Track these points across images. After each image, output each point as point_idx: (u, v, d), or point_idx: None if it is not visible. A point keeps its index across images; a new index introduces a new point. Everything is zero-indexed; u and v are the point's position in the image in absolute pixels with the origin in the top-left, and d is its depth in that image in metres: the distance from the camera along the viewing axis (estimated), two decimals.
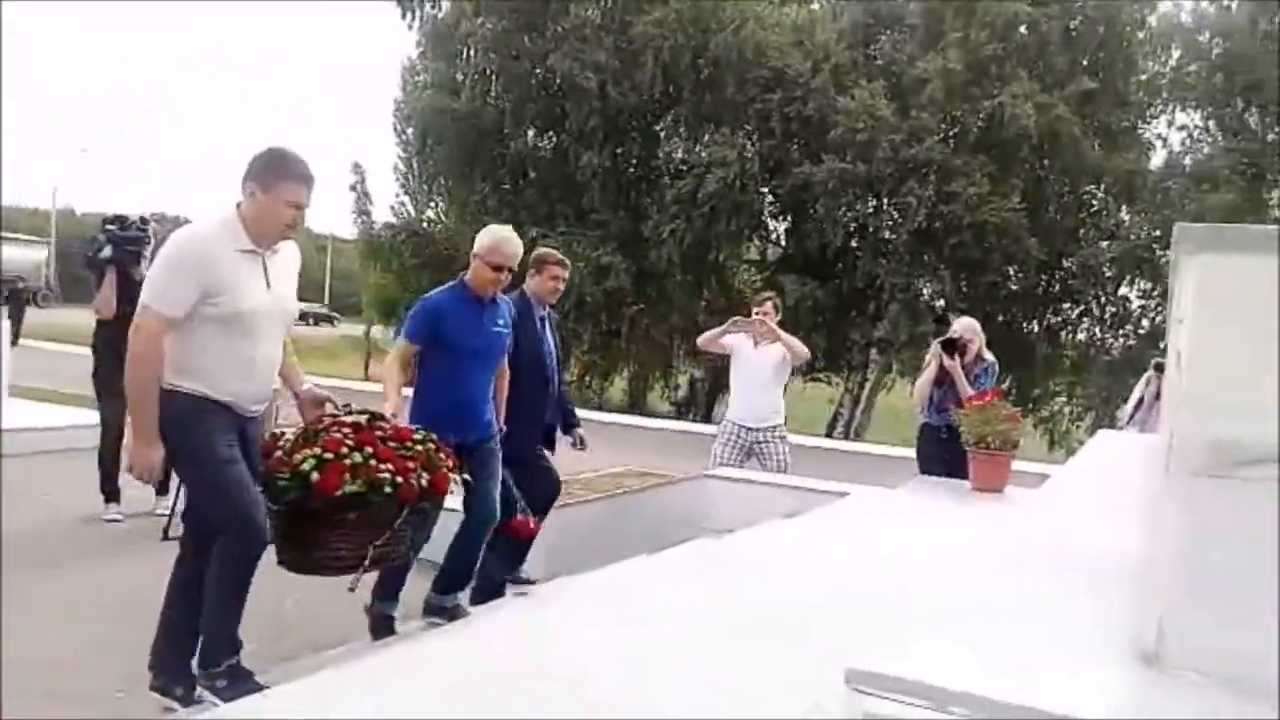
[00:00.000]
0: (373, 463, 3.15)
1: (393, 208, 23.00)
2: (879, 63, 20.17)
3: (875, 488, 6.46)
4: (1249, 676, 1.28)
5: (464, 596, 4.14)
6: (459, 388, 4.05)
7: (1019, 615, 1.65)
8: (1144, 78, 20.81)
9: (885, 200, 19.33)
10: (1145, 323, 20.24)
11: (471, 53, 21.46)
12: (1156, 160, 20.81)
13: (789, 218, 21.53)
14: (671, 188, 19.73)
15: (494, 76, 21.50)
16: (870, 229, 19.56)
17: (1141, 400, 6.68)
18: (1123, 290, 20.68)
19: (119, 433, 6.27)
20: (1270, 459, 1.25)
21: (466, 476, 3.71)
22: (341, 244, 47.84)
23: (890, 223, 19.11)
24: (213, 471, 3.14)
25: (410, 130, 22.35)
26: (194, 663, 3.23)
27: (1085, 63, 19.86)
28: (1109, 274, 20.08)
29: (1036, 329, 21.19)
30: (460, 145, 20.96)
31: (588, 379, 22.51)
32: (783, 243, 22.10)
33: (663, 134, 21.85)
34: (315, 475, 3.11)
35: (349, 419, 3.33)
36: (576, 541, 5.39)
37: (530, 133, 21.81)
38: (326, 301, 51.56)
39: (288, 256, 3.39)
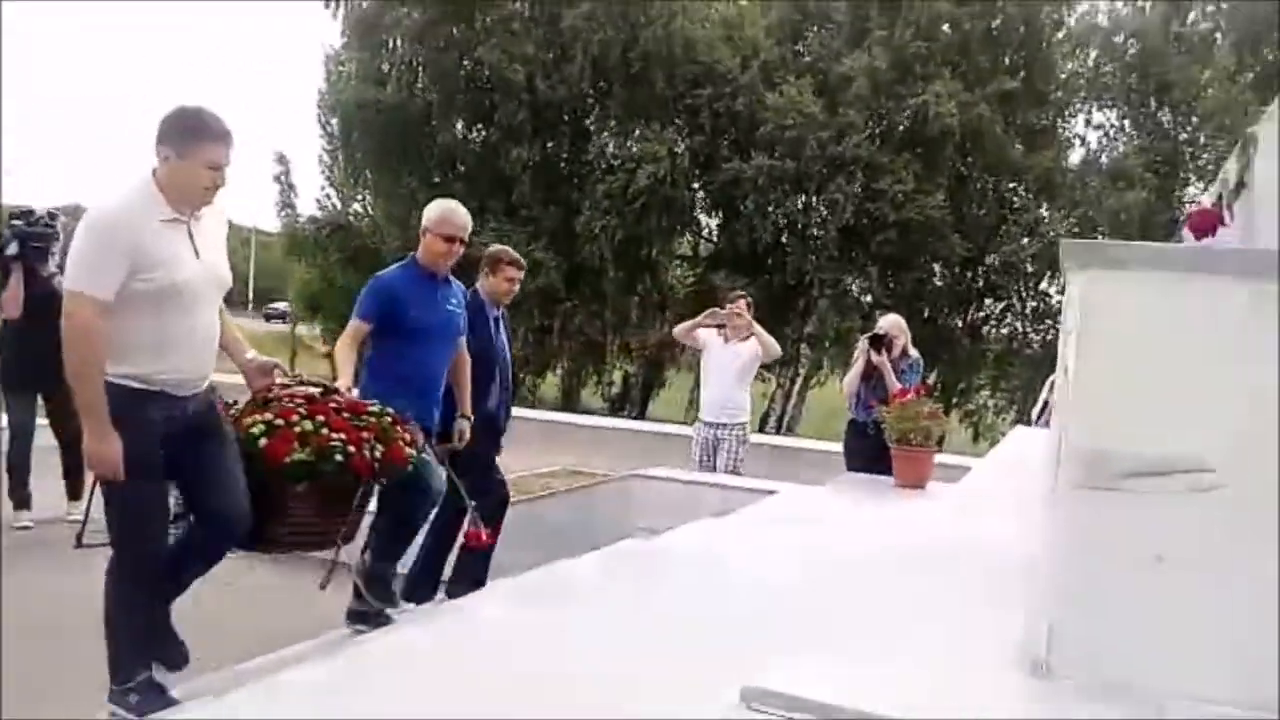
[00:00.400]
0: (324, 431, 3.03)
1: (318, 200, 22.57)
2: (806, 59, 20.37)
3: (802, 486, 6.53)
4: (1134, 684, 1.31)
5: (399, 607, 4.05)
6: (414, 367, 3.95)
7: (919, 621, 1.67)
8: (1063, 77, 21.36)
9: (814, 197, 19.55)
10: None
11: (397, 43, 21.12)
12: (1074, 158, 21.43)
13: (720, 214, 21.66)
14: (602, 183, 19.68)
15: (420, 68, 21.18)
16: (799, 225, 19.76)
17: (1046, 404, 6.89)
18: (1044, 286, 21.24)
19: (29, 436, 6.05)
20: (1150, 471, 1.29)
21: (425, 454, 3.60)
22: (265, 237, 46.78)
23: (819, 219, 19.34)
24: (125, 487, 2.98)
25: (335, 122, 21.91)
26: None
27: (1006, 62, 20.32)
28: (1030, 270, 20.61)
29: (960, 324, 21.67)
30: (386, 138, 20.61)
31: (520, 376, 22.35)
32: (714, 238, 22.23)
33: (593, 129, 21.77)
34: (263, 441, 2.99)
35: (302, 390, 3.21)
36: (502, 544, 5.35)
37: (458, 125, 21.56)
38: (250, 297, 50.37)
39: (213, 221, 3.21)
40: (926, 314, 20.10)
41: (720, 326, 7.00)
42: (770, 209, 19.39)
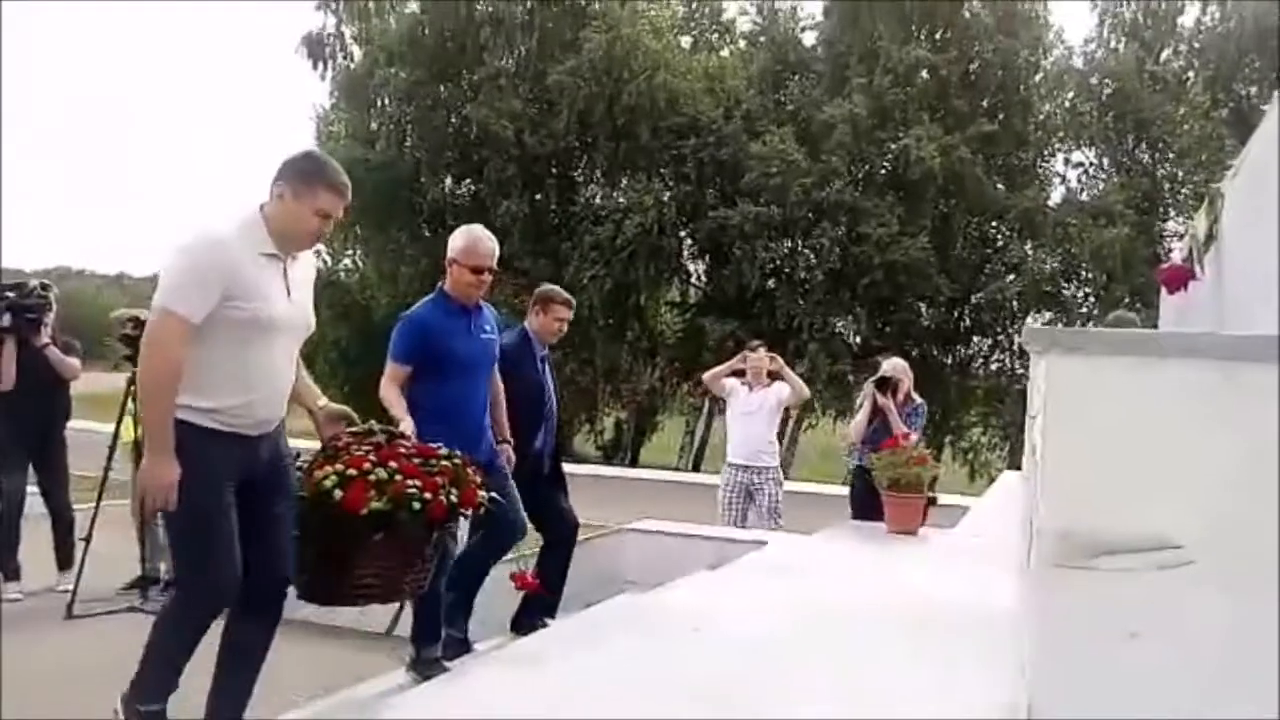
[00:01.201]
0: (398, 479, 2.96)
1: None
2: (788, 108, 20.70)
3: (793, 534, 6.53)
4: None
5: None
6: (455, 403, 3.85)
7: (904, 679, 1.70)
8: (1041, 118, 21.73)
9: (800, 242, 19.77)
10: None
11: (385, 102, 21.43)
12: (1055, 197, 21.71)
13: (707, 260, 21.86)
14: (590, 233, 19.88)
15: (409, 126, 21.47)
16: (787, 270, 19.96)
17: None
18: (1030, 321, 21.43)
19: (19, 507, 6.02)
20: (1120, 549, 1.33)
21: (494, 494, 3.47)
22: None
23: (806, 264, 19.55)
24: (195, 523, 2.86)
25: None
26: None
27: (985, 105, 20.68)
28: (1016, 307, 20.80)
29: (949, 362, 21.80)
30: (375, 195, 20.78)
31: None
32: (703, 284, 22.40)
33: (580, 180, 22.04)
34: (338, 493, 2.89)
35: (369, 438, 3.14)
36: (495, 603, 5.33)
37: (447, 181, 21.80)
38: None
39: (306, 265, 3.16)
40: (915, 353, 20.23)
41: (743, 374, 7.12)
42: (757, 254, 19.59)
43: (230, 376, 2.87)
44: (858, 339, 20.71)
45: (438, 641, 3.93)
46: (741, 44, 22.79)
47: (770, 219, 19.13)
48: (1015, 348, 21.62)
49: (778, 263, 20.02)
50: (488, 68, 20.41)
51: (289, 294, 3.00)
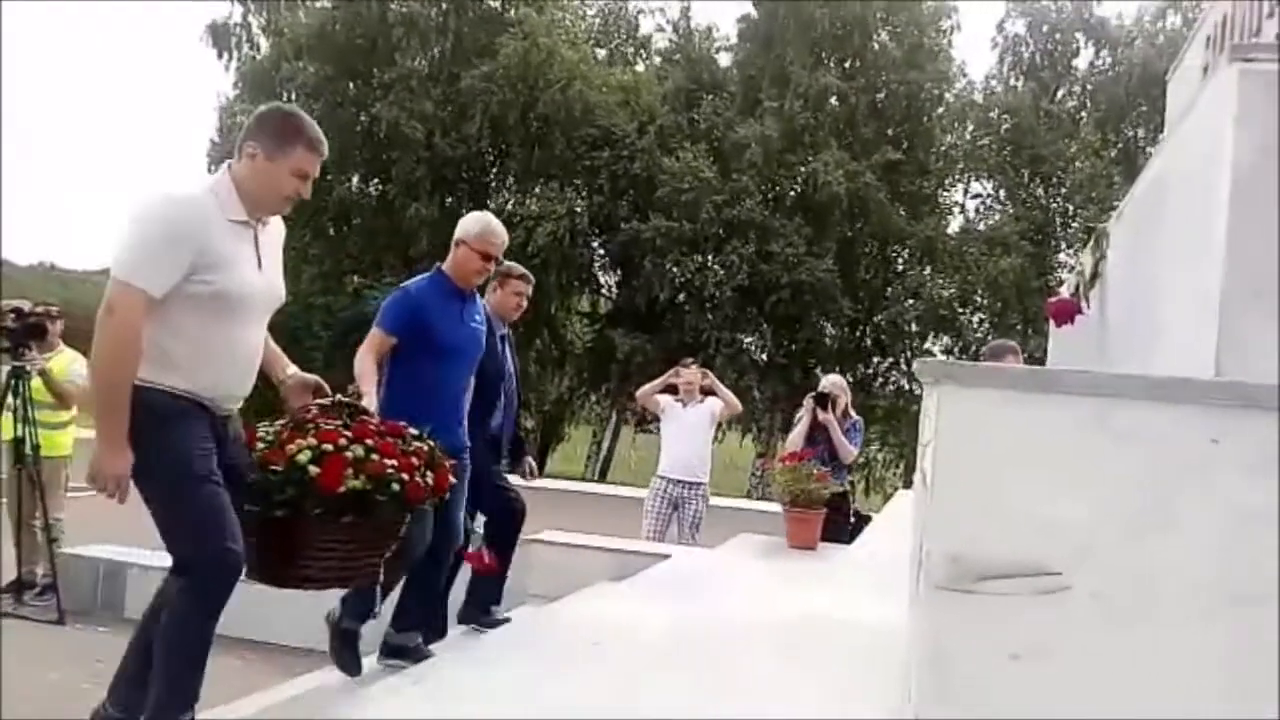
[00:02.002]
0: (374, 457, 2.74)
1: None
2: (701, 126, 20.98)
3: (695, 548, 6.60)
4: None
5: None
6: (434, 386, 3.70)
7: (780, 701, 1.74)
8: (942, 149, 22.53)
9: (710, 258, 20.03)
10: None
11: (292, 97, 20.88)
12: (955, 225, 22.51)
13: (618, 272, 21.95)
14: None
15: (316, 122, 20.97)
16: (696, 285, 20.19)
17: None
18: (928, 344, 22.15)
19: None
20: (1001, 575, 1.39)
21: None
22: None
23: (715, 279, 19.80)
24: (186, 490, 2.59)
25: None
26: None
27: (890, 134, 21.34)
28: (915, 330, 21.46)
29: (850, 380, 22.31)
30: None
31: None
32: (613, 296, 22.47)
33: (492, 186, 21.89)
34: (314, 469, 2.65)
35: (332, 412, 2.89)
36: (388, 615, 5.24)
37: (354, 180, 21.38)
38: None
39: (275, 231, 2.89)
40: (819, 371, 20.67)
41: (675, 390, 7.19)
42: (668, 268, 19.77)
43: (194, 356, 2.63)
44: (764, 355, 21.08)
45: (419, 628, 3.76)
46: (657, 60, 23.02)
47: (681, 234, 19.34)
48: (912, 369, 22.29)
49: (688, 277, 20.24)
50: (399, 68, 20.12)
51: (259, 264, 2.75)
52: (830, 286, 19.46)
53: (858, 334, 21.88)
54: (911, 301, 20.82)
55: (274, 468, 2.70)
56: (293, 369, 3.03)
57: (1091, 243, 3.58)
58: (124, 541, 5.99)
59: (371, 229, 20.87)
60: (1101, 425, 1.44)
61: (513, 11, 20.85)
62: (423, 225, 19.97)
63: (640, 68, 22.81)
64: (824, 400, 6.68)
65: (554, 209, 19.27)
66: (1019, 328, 18.82)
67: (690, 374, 7.21)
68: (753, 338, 21.10)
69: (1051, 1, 22.65)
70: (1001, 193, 22.98)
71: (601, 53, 22.60)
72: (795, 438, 6.78)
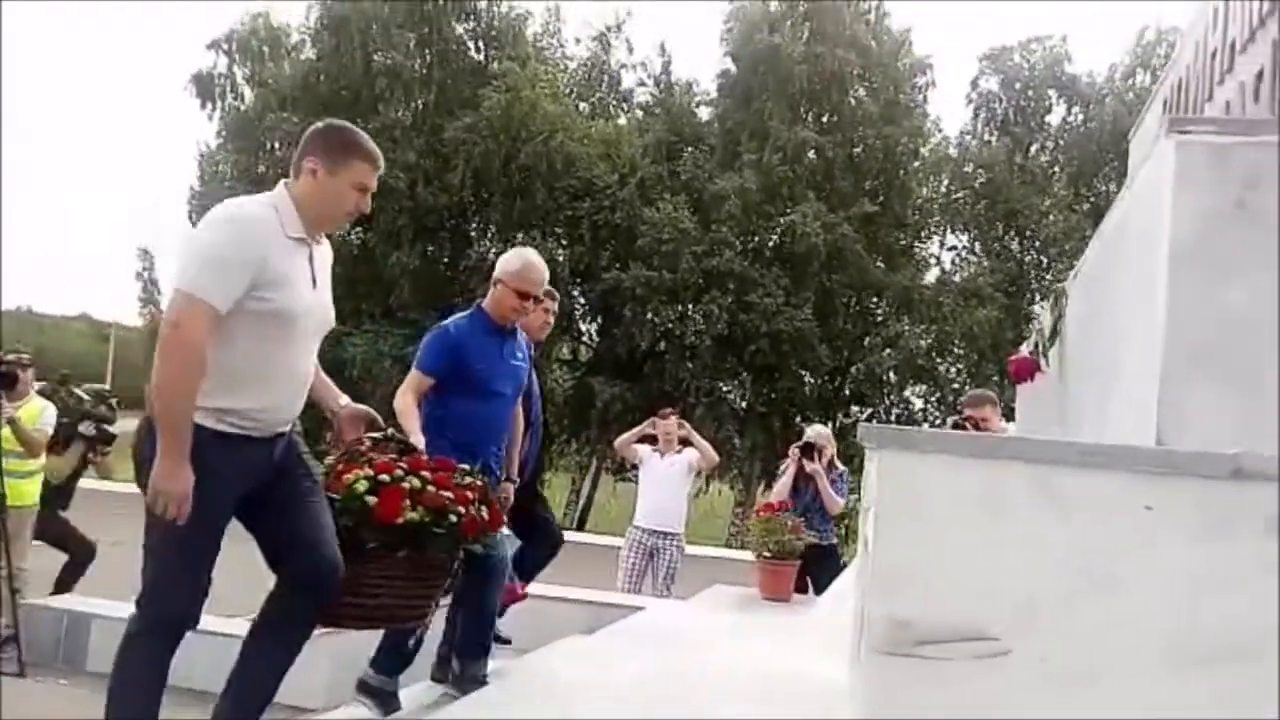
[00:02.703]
0: (430, 489, 2.69)
1: None
2: (682, 178, 21.22)
3: (669, 600, 6.56)
4: None
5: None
6: (471, 423, 3.64)
7: None
8: (918, 202, 22.87)
9: (689, 307, 20.15)
10: (925, 424, 21.81)
11: (275, 145, 21.04)
12: (930, 277, 22.76)
13: (599, 320, 22.03)
14: (483, 288, 19.78)
15: None
16: (676, 334, 20.28)
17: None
18: (906, 393, 22.28)
19: None
20: (941, 639, 1.41)
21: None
22: (125, 333, 44.77)
23: (695, 328, 19.91)
24: (183, 535, 2.51)
25: None
26: None
27: (866, 186, 21.64)
28: (892, 379, 21.59)
29: (831, 430, 22.38)
30: None
31: None
32: (594, 343, 22.53)
33: (474, 235, 22.00)
34: (372, 499, 2.61)
35: (388, 446, 2.89)
36: (358, 670, 5.17)
37: (336, 229, 21.46)
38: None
39: (327, 253, 2.84)
40: (798, 420, 20.72)
41: (654, 439, 7.21)
42: (648, 317, 19.86)
43: (248, 375, 2.58)
44: (743, 404, 21.12)
45: (485, 656, 3.75)
46: (639, 114, 23.32)
47: (662, 283, 19.47)
48: (891, 417, 22.41)
49: (668, 326, 20.33)
50: (383, 118, 20.30)
51: (314, 282, 2.70)
52: (809, 336, 19.60)
53: (836, 383, 22.00)
54: (889, 351, 20.97)
55: (331, 496, 2.66)
56: (345, 399, 3.00)
57: (1051, 301, 3.66)
58: (89, 593, 5.93)
59: (352, 277, 20.86)
60: (1040, 491, 1.47)
61: (496, 64, 21.13)
62: (404, 274, 20.03)
63: (622, 120, 23.11)
64: (810, 450, 6.67)
65: None
66: (995, 379, 18.98)
67: (668, 424, 7.24)
68: (732, 386, 21.16)
69: (1024, 59, 23.16)
70: (977, 245, 23.30)
71: (584, 105, 22.90)
72: (780, 489, 6.78)
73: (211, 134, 22.25)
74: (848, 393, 22.31)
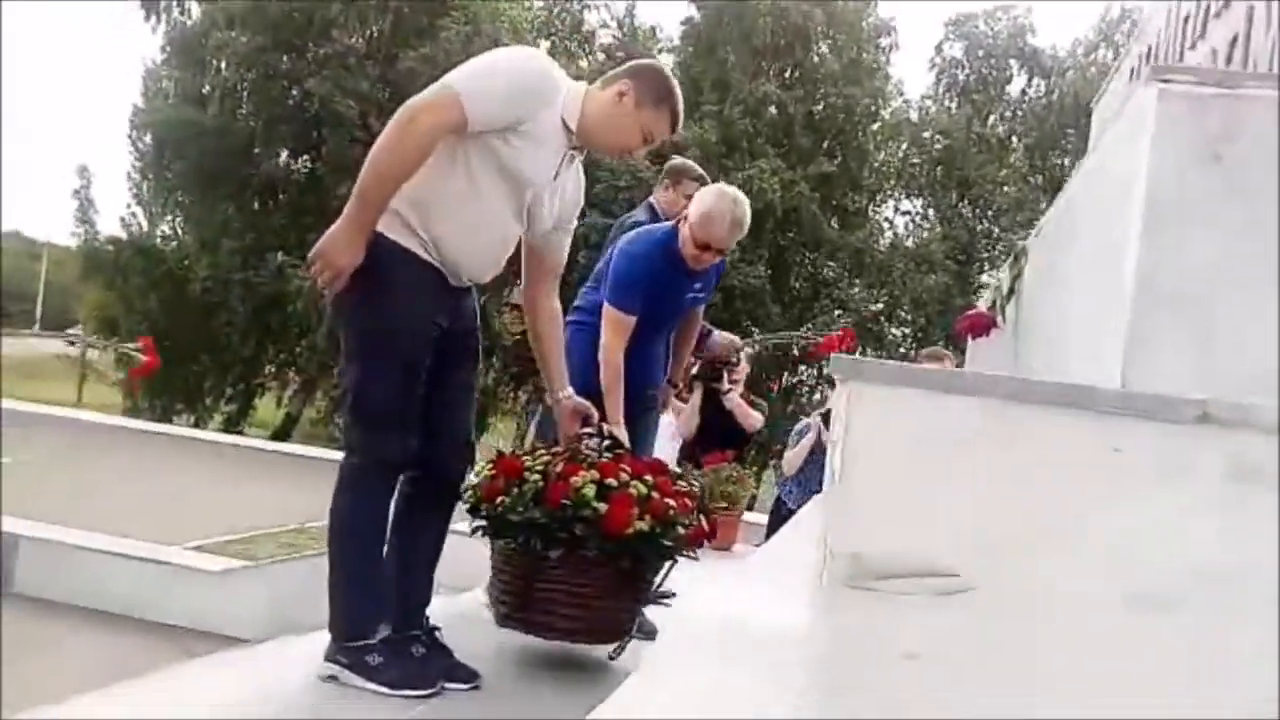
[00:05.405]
0: (655, 497, 2.51)
1: (123, 219, 21.23)
2: None
3: None
4: None
5: None
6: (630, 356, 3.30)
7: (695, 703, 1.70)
8: (875, 165, 22.92)
9: None
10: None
11: (222, 65, 20.31)
12: (884, 240, 22.91)
13: None
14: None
15: (245, 93, 20.42)
16: None
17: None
18: (855, 355, 22.50)
19: None
20: (902, 574, 1.38)
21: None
22: (59, 253, 43.34)
23: None
24: (384, 370, 2.43)
25: (148, 139, 20.76)
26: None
27: (825, 146, 21.60)
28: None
29: (775, 388, 22.58)
30: (203, 161, 19.66)
31: (335, 417, 21.57)
32: None
33: None
34: (601, 505, 2.43)
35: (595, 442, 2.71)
36: (303, 598, 5.08)
37: (282, 155, 20.86)
38: (39, 315, 46.35)
39: (574, 177, 2.72)
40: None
41: None
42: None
43: (465, 214, 2.48)
44: (693, 358, 21.16)
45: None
46: (600, 56, 22.93)
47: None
48: (828, 366, 22.66)
49: None
50: (336, 44, 19.68)
51: (555, 179, 2.59)
52: (761, 293, 19.63)
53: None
54: (839, 313, 21.12)
55: (565, 503, 2.47)
56: (569, 390, 2.85)
57: (1011, 259, 3.65)
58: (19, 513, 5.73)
59: (298, 207, 20.37)
60: (1007, 428, 1.44)
61: None
62: None
63: (584, 63, 22.71)
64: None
65: None
66: (940, 344, 19.26)
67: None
68: None
69: (989, 27, 23.20)
70: (930, 211, 23.49)
71: (544, 44, 22.45)
72: (794, 458, 6.35)
73: (156, 49, 21.42)
74: (795, 353, 22.47)
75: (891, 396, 1.38)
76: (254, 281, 18.42)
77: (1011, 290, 3.38)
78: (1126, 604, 1.36)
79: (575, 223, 2.83)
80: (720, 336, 5.83)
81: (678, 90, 2.72)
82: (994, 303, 3.57)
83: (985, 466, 1.43)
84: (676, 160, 4.34)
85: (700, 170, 4.12)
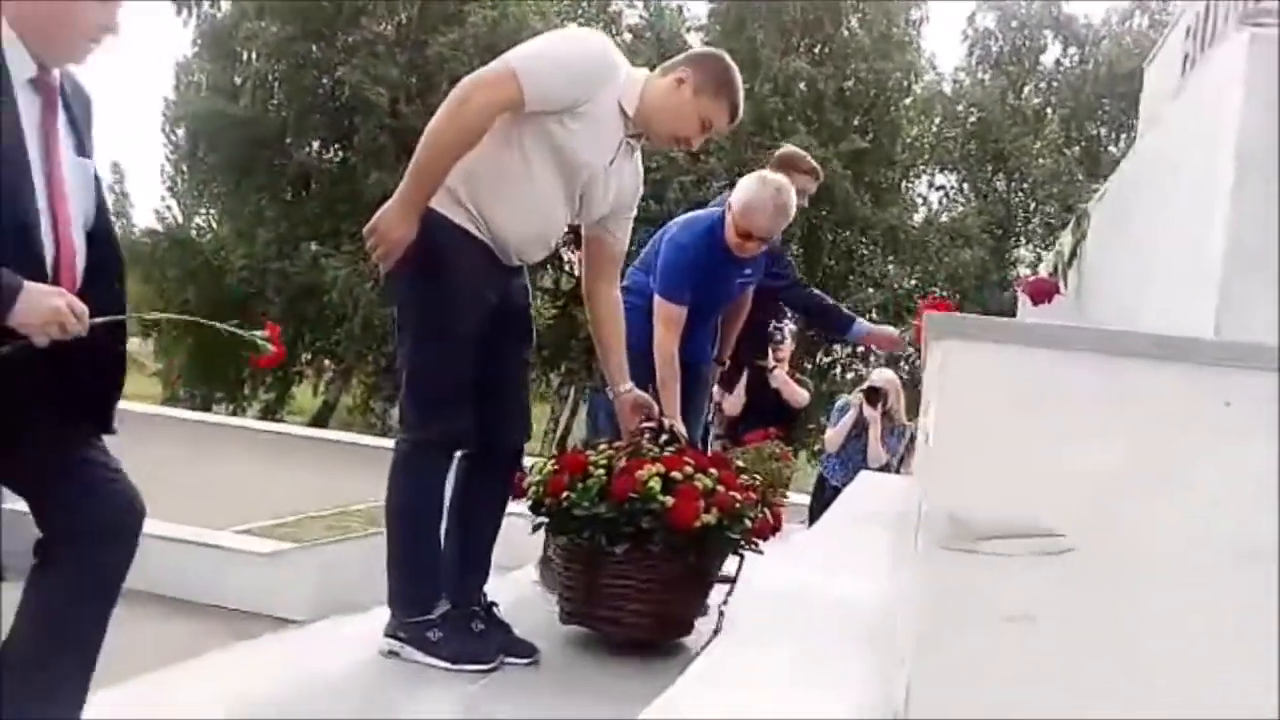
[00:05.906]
0: (720, 490, 2.51)
1: (157, 213, 21.48)
2: None
3: None
4: None
5: None
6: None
7: (779, 686, 1.67)
8: (908, 140, 22.60)
9: None
10: (905, 365, 21.90)
11: (252, 56, 20.40)
12: (918, 217, 22.63)
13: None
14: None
15: (276, 83, 20.51)
16: None
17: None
18: None
19: None
20: (1004, 534, 1.32)
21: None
22: None
23: None
24: (437, 353, 2.45)
25: (181, 132, 20.96)
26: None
27: (857, 122, 21.34)
28: (876, 319, 21.55)
29: (811, 366, 22.44)
30: (236, 152, 19.81)
31: (371, 403, 21.73)
32: (576, 274, 22.31)
33: None
34: (668, 499, 2.43)
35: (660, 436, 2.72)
36: (351, 579, 5.11)
37: (314, 145, 20.96)
38: None
39: (633, 167, 2.73)
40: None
41: None
42: (634, 249, 19.62)
43: (516, 193, 2.48)
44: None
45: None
46: (627, 36, 22.79)
47: (648, 214, 19.17)
48: (871, 358, 22.46)
49: None
50: (365, 31, 19.70)
51: (609, 167, 2.57)
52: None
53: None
54: (873, 290, 20.93)
55: (631, 496, 2.46)
56: (630, 385, 2.86)
57: (1072, 224, 3.56)
58: None
59: (331, 196, 20.47)
60: (1109, 383, 1.37)
61: None
62: (385, 194, 19.52)
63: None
64: (874, 396, 6.11)
65: None
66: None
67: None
68: None
69: None
70: (965, 186, 23.17)
71: (572, 27, 22.36)
72: (835, 435, 6.29)
73: (186, 43, 21.57)
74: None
75: (988, 352, 1.32)
76: (289, 271, 18.54)
77: (1074, 254, 3.30)
78: (1235, 560, 1.30)
79: (634, 211, 2.82)
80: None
81: (738, 80, 2.70)
82: (1055, 268, 3.48)
83: (1086, 422, 1.37)
84: (788, 149, 4.33)
85: (814, 163, 4.15)
